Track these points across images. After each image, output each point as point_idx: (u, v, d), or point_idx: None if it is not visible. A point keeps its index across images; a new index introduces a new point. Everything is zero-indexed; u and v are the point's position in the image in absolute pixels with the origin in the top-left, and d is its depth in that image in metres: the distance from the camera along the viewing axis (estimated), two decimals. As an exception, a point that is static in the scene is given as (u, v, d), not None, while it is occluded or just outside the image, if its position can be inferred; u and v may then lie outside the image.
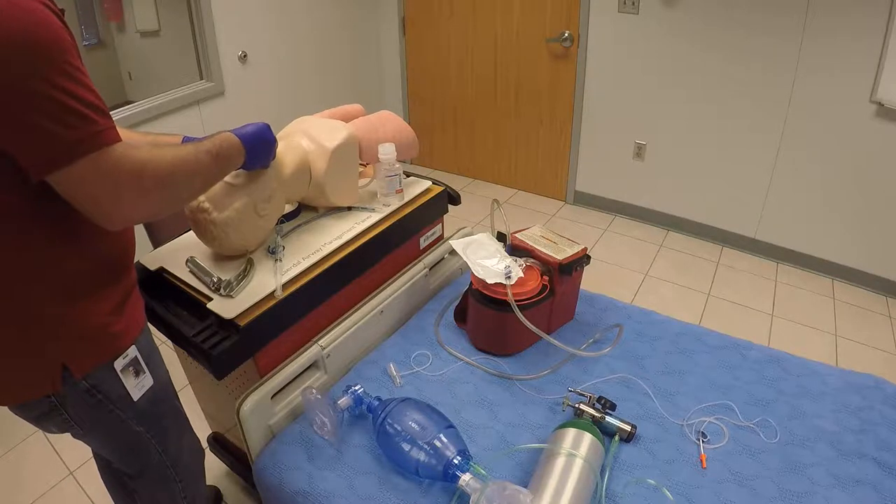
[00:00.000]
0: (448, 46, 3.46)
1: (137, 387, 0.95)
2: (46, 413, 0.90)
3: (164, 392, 1.04)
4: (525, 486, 1.00)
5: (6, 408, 0.91)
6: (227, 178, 1.13)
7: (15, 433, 1.92)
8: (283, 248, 1.27)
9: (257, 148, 1.04)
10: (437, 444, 0.99)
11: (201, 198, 1.12)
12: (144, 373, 0.97)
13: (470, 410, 1.20)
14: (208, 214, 1.12)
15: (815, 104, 2.50)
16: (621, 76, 2.95)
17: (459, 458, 0.98)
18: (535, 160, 3.46)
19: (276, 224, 1.30)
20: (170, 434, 1.08)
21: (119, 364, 0.91)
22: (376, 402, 1.13)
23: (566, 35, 3.00)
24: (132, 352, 0.93)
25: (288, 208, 1.37)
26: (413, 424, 1.02)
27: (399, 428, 1.03)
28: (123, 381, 0.93)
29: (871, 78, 2.31)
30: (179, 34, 2.59)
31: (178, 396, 1.14)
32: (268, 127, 1.07)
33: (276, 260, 1.23)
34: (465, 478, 0.95)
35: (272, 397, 1.18)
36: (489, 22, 3.25)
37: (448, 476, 0.97)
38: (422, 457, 1.00)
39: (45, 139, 0.69)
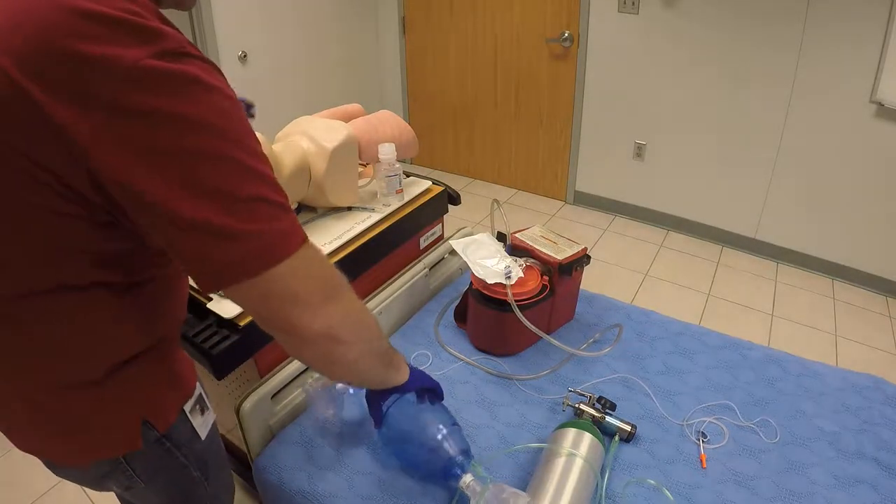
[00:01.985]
0: (448, 46, 3.46)
1: (204, 425, 0.88)
2: (108, 473, 0.80)
3: (215, 429, 0.95)
4: (525, 487, 1.00)
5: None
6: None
7: (15, 433, 1.92)
8: (283, 248, 1.27)
9: (417, 373, 0.99)
10: (441, 441, 0.97)
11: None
12: (208, 409, 0.89)
13: (470, 410, 1.20)
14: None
15: (815, 104, 2.50)
16: (621, 76, 2.95)
17: (462, 457, 0.97)
18: (535, 160, 3.47)
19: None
20: (217, 473, 0.98)
21: (188, 405, 0.83)
22: None
23: (566, 35, 3.00)
24: (198, 388, 0.86)
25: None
26: (417, 419, 1.00)
27: (402, 421, 1.00)
28: (192, 421, 0.84)
29: (871, 78, 2.31)
30: (179, 34, 2.59)
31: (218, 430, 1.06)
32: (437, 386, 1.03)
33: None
34: (467, 479, 0.94)
35: (272, 397, 1.18)
36: (489, 22, 3.25)
37: (448, 475, 0.97)
38: (423, 453, 0.98)
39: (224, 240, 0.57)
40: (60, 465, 0.81)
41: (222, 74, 0.59)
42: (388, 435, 1.01)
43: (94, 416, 0.74)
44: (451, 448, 0.96)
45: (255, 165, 0.59)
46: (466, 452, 0.97)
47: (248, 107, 1.32)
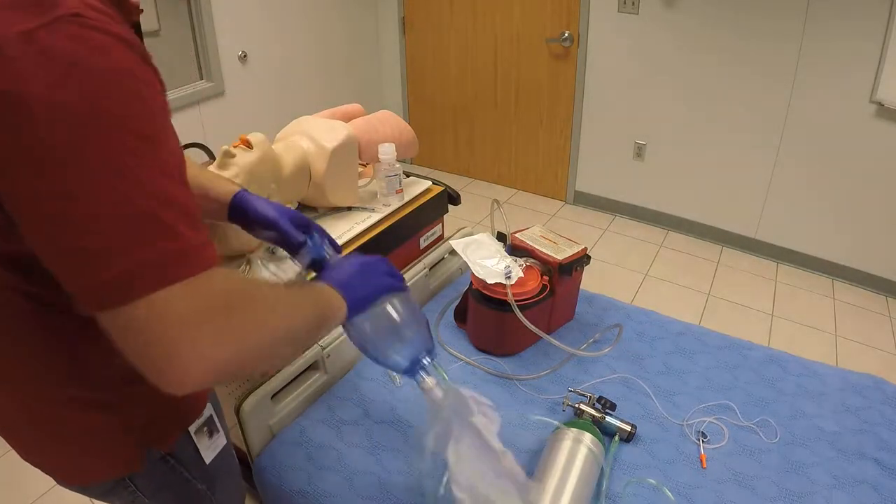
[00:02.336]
0: (448, 46, 3.46)
1: (211, 448, 0.85)
2: (112, 489, 0.78)
3: (227, 446, 0.93)
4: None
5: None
6: (226, 178, 1.13)
7: (15, 433, 1.92)
8: (283, 248, 1.27)
9: (359, 295, 0.79)
10: (411, 336, 0.86)
11: (201, 198, 1.12)
12: (219, 431, 0.86)
13: (470, 410, 1.20)
14: (208, 214, 1.12)
15: (815, 104, 2.50)
16: (621, 76, 2.95)
17: (429, 358, 0.88)
18: (535, 160, 3.47)
19: (276, 224, 1.30)
20: (227, 488, 0.96)
21: (193, 427, 0.80)
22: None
23: (566, 35, 3.00)
24: (208, 410, 0.83)
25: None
26: (390, 309, 0.86)
27: (365, 319, 0.86)
28: (197, 443, 0.81)
29: (871, 78, 2.31)
30: (179, 34, 2.59)
31: (232, 448, 1.02)
32: (380, 261, 0.85)
33: (277, 260, 1.23)
34: (429, 382, 0.86)
35: (272, 397, 1.18)
36: (489, 22, 3.25)
37: (410, 372, 0.86)
38: (391, 345, 0.86)
39: (91, 259, 0.48)
40: (64, 482, 0.80)
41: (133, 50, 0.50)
42: (353, 333, 0.86)
43: (94, 436, 0.72)
44: (419, 346, 0.87)
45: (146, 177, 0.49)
46: (432, 353, 0.89)
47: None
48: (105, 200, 0.47)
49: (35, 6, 0.47)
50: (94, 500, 1.72)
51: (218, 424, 0.86)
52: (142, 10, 0.63)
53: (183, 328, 0.49)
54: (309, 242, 0.90)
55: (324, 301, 0.73)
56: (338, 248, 0.95)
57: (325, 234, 0.94)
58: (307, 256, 0.90)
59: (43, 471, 0.79)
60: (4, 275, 0.60)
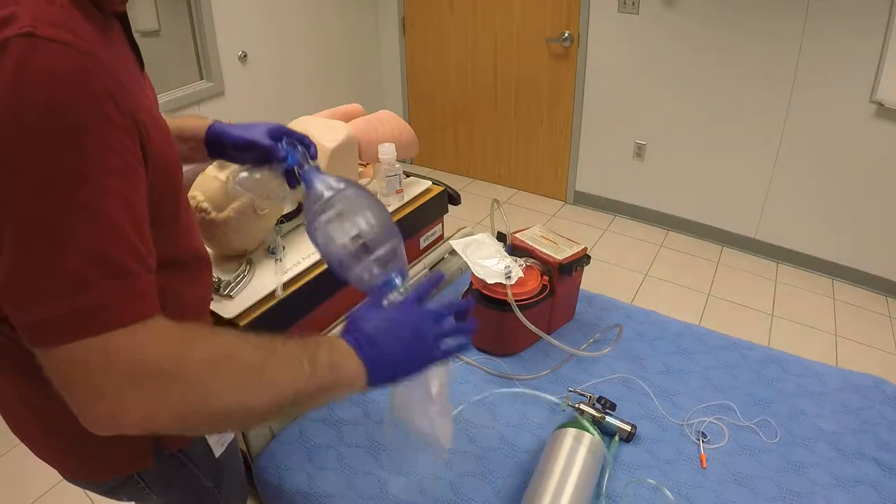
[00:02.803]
0: (448, 46, 3.46)
1: (220, 442, 0.85)
2: (123, 484, 0.78)
3: (233, 442, 0.93)
4: (525, 486, 1.00)
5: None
6: (225, 178, 1.13)
7: (15, 433, 1.92)
8: (284, 247, 1.27)
9: (393, 364, 0.66)
10: (385, 255, 0.79)
11: (200, 197, 1.12)
12: None
13: (470, 410, 1.20)
14: (207, 214, 1.12)
15: (815, 104, 2.50)
16: (621, 76, 2.95)
17: (400, 279, 0.81)
18: (535, 160, 3.47)
19: (276, 224, 1.30)
20: (232, 485, 0.95)
21: None
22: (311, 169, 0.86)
23: (566, 35, 3.00)
24: None
25: (288, 208, 1.37)
26: (363, 223, 0.78)
27: (346, 221, 0.79)
28: (208, 440, 0.82)
29: (871, 78, 2.31)
30: (179, 34, 2.59)
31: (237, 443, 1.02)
32: (414, 311, 0.71)
33: (277, 260, 1.23)
34: (394, 296, 0.80)
35: (272, 397, 1.18)
36: (489, 22, 3.25)
37: (378, 291, 0.79)
38: (362, 262, 0.78)
39: (25, 293, 0.46)
40: (74, 480, 0.80)
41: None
42: (319, 232, 0.79)
43: (108, 442, 0.72)
44: (391, 266, 0.80)
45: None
46: (404, 273, 0.82)
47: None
48: (27, 249, 0.45)
49: None
50: (94, 502, 1.71)
51: None
52: None
53: (100, 382, 0.47)
54: (289, 157, 0.85)
55: (328, 370, 0.60)
56: (313, 154, 0.88)
57: (303, 143, 0.88)
58: (286, 167, 0.85)
59: (53, 467, 0.79)
60: None
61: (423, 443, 0.80)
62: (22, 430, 0.77)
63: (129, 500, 0.84)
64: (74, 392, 0.48)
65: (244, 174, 0.89)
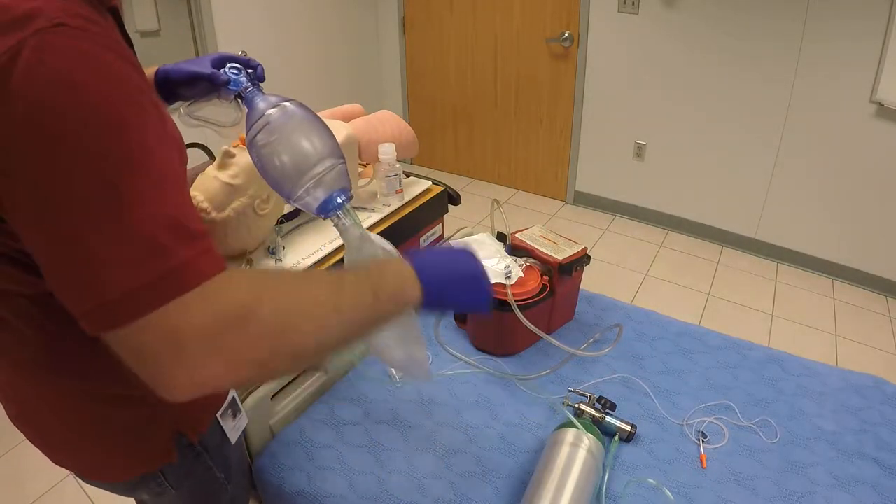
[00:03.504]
0: (448, 46, 3.46)
1: (235, 429, 0.85)
2: (140, 483, 0.78)
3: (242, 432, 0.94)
4: (524, 487, 1.00)
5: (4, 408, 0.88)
6: (226, 178, 1.13)
7: (15, 433, 1.92)
8: (284, 247, 1.27)
9: (446, 290, 0.69)
10: (324, 173, 0.77)
11: (200, 197, 1.12)
12: (241, 412, 0.87)
13: (470, 410, 1.20)
14: (207, 214, 1.12)
15: (815, 104, 2.50)
16: (621, 76, 2.95)
17: (343, 196, 0.80)
18: (535, 160, 3.47)
19: (276, 224, 1.30)
20: (238, 476, 0.96)
21: (220, 411, 0.81)
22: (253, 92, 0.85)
23: (566, 35, 3.00)
24: (231, 392, 0.83)
25: (288, 208, 1.37)
26: (306, 143, 0.77)
27: (282, 138, 0.78)
28: (223, 424, 0.82)
29: (871, 78, 2.31)
30: (179, 34, 2.59)
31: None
32: (470, 256, 0.74)
33: (277, 260, 1.23)
34: (347, 221, 0.81)
35: (272, 397, 1.18)
36: (489, 22, 3.25)
37: (323, 210, 0.79)
38: (300, 181, 0.77)
39: (88, 279, 0.46)
40: (93, 480, 0.80)
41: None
42: (262, 151, 0.78)
43: (127, 431, 0.72)
44: (335, 185, 0.79)
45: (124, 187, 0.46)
46: (346, 192, 0.81)
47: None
48: (96, 226, 0.46)
49: (11, 24, 0.44)
50: (94, 502, 1.72)
51: (239, 405, 0.86)
52: None
53: (181, 345, 0.47)
54: (231, 81, 0.84)
55: (391, 300, 0.62)
56: (259, 75, 0.87)
57: (249, 66, 0.87)
58: (231, 93, 0.85)
59: (71, 470, 0.78)
60: (37, 278, 0.59)
61: (405, 371, 0.82)
62: (43, 438, 0.76)
63: (148, 495, 0.84)
64: (152, 364, 0.48)
65: (193, 105, 0.88)
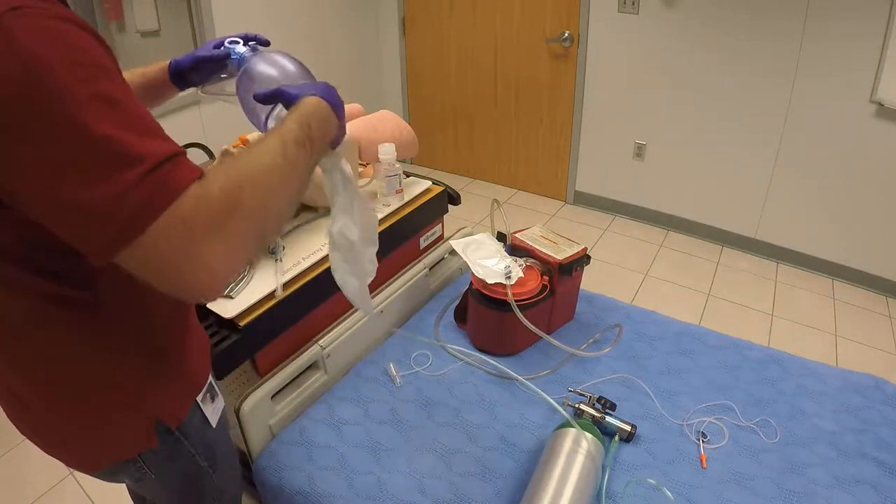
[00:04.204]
0: (448, 46, 3.46)
1: (214, 412, 0.88)
2: (121, 468, 0.80)
3: (224, 422, 0.96)
4: (525, 486, 1.00)
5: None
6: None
7: (15, 433, 1.92)
8: (284, 247, 1.27)
9: (340, 108, 0.77)
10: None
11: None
12: (218, 395, 0.89)
13: (470, 410, 1.20)
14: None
15: (815, 104, 2.50)
16: (621, 76, 2.95)
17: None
18: (535, 160, 3.46)
19: (276, 224, 1.30)
20: (224, 466, 0.97)
21: (200, 395, 0.83)
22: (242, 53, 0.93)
23: (566, 35, 3.00)
24: (209, 377, 0.86)
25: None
26: (274, 70, 0.85)
27: (259, 73, 0.86)
28: (203, 409, 0.84)
29: (871, 78, 2.31)
30: (179, 34, 2.59)
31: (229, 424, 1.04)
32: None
33: (277, 260, 1.23)
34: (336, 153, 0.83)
35: (272, 397, 1.18)
36: (489, 22, 3.25)
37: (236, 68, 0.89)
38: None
39: (84, 208, 0.50)
40: (76, 468, 0.82)
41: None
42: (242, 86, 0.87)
43: (107, 418, 0.75)
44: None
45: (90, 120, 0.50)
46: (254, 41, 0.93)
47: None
48: (75, 158, 0.50)
49: None
50: (92, 502, 1.72)
51: (216, 389, 0.89)
52: None
53: (193, 239, 0.53)
54: (231, 53, 0.92)
55: (321, 140, 0.71)
56: (262, 41, 0.95)
57: (247, 38, 0.95)
58: (234, 63, 0.92)
59: (63, 460, 0.81)
60: (27, 273, 0.62)
61: (357, 301, 0.89)
62: (33, 428, 0.78)
63: (129, 480, 0.86)
64: (173, 269, 0.53)
65: (207, 85, 0.97)
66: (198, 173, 0.55)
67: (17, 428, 0.79)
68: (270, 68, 0.84)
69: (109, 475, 0.83)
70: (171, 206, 0.52)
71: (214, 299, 0.56)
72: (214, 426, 0.88)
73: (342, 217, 0.83)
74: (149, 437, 0.77)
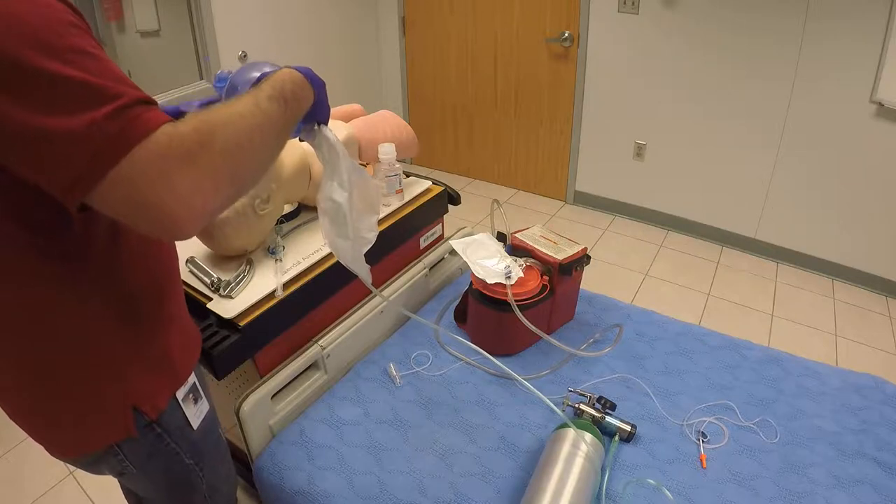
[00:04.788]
0: (448, 46, 3.46)
1: (197, 414, 0.88)
2: (102, 457, 0.81)
3: (212, 420, 0.96)
4: (525, 486, 1.00)
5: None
6: None
7: (15, 433, 1.92)
8: (284, 248, 1.27)
9: (320, 85, 0.81)
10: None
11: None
12: (202, 398, 0.90)
13: (470, 410, 1.20)
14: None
15: (815, 104, 2.50)
16: (621, 76, 2.95)
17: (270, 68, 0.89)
18: (535, 160, 3.47)
19: (276, 224, 1.30)
20: (214, 465, 0.98)
21: (181, 393, 0.84)
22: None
23: (566, 35, 3.00)
24: (192, 378, 0.86)
25: (288, 208, 1.37)
26: (255, 72, 0.87)
27: (242, 78, 0.90)
28: (184, 409, 0.85)
29: (871, 78, 2.31)
30: (179, 34, 2.59)
31: (220, 423, 1.05)
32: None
33: (277, 260, 1.23)
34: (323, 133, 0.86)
35: (272, 397, 1.18)
36: (489, 22, 3.25)
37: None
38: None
39: (56, 144, 0.52)
40: (59, 455, 0.83)
41: None
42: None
43: (83, 403, 0.75)
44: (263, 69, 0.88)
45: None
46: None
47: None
48: (51, 96, 0.51)
49: None
50: (92, 502, 1.72)
51: (201, 392, 0.90)
52: None
53: (167, 169, 0.54)
54: (216, 82, 0.94)
55: (294, 101, 0.73)
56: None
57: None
58: (220, 93, 0.93)
59: (43, 445, 0.82)
60: (12, 243, 0.63)
61: (354, 266, 0.90)
62: (18, 414, 0.79)
63: (111, 472, 0.87)
64: (152, 201, 0.54)
65: None
66: (170, 119, 0.57)
67: (4, 411, 0.80)
68: (251, 70, 0.86)
69: (90, 465, 0.84)
70: (144, 140, 0.53)
71: (190, 236, 0.57)
72: (195, 428, 0.88)
73: (327, 182, 0.84)
74: (126, 425, 0.78)
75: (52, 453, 0.83)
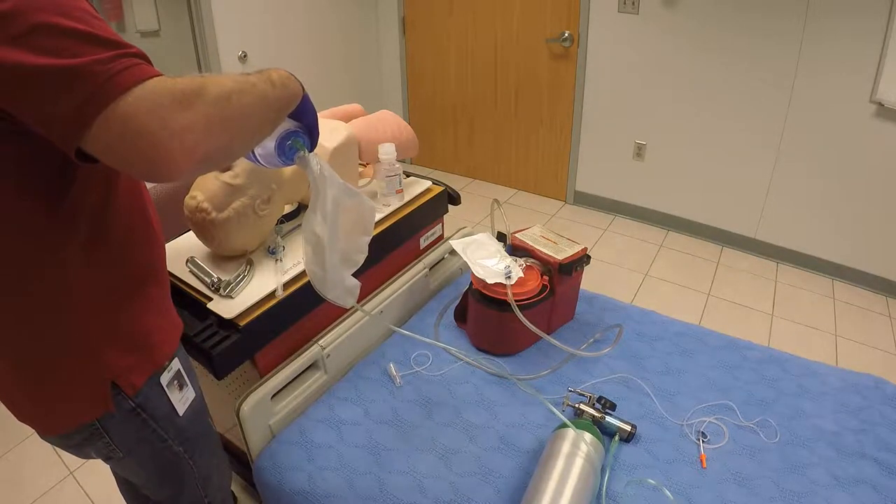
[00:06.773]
0: (448, 46, 3.46)
1: (182, 401, 0.91)
2: (88, 439, 0.84)
3: (201, 408, 0.99)
4: (525, 486, 1.00)
5: (4, 406, 0.89)
6: (227, 178, 1.13)
7: (15, 433, 1.92)
8: (284, 248, 1.27)
9: (307, 98, 0.88)
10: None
11: (200, 197, 1.12)
12: (187, 385, 0.92)
13: (470, 410, 1.20)
14: (207, 215, 1.12)
15: (815, 104, 2.50)
16: (621, 76, 2.95)
17: (296, 133, 0.91)
18: (535, 160, 3.47)
19: (276, 224, 1.30)
20: (204, 453, 1.01)
21: (165, 378, 0.86)
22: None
23: (566, 35, 3.00)
24: (175, 364, 0.89)
25: (288, 208, 1.37)
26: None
27: None
28: (169, 395, 0.87)
29: (871, 78, 2.31)
30: (179, 34, 2.59)
31: (209, 413, 1.07)
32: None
33: (277, 260, 1.23)
34: (312, 160, 0.88)
35: (272, 397, 1.18)
36: (489, 22, 3.25)
37: (282, 150, 0.88)
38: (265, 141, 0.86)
39: (52, 84, 0.54)
40: (44, 435, 0.85)
41: None
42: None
43: (61, 374, 0.77)
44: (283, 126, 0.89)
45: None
46: (299, 133, 0.92)
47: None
48: (56, 42, 0.55)
49: None
50: (92, 502, 1.72)
51: (186, 379, 0.92)
52: None
53: (161, 110, 0.56)
54: None
55: (278, 78, 0.78)
56: None
57: None
58: None
59: (29, 424, 0.85)
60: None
61: (334, 295, 0.90)
62: (4, 394, 0.82)
63: (99, 456, 0.89)
64: (142, 130, 0.55)
65: None
66: (159, 73, 0.60)
67: None
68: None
69: (78, 447, 0.86)
70: (141, 84, 0.56)
71: (181, 177, 0.59)
72: (181, 414, 0.91)
73: (311, 213, 0.85)
74: (104, 399, 0.80)
75: (38, 432, 0.85)
